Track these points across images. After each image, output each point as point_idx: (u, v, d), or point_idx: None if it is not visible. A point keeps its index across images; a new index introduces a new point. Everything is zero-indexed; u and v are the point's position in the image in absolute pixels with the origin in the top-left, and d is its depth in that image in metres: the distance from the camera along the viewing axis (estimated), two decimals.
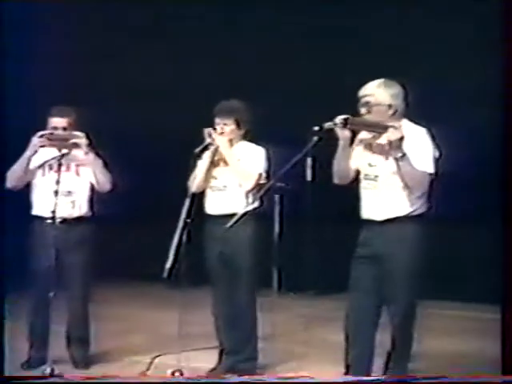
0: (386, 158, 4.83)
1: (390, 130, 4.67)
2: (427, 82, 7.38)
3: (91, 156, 5.62)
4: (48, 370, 5.16)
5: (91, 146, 5.65)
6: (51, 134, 5.57)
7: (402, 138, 4.68)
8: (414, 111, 5.06)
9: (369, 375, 5.01)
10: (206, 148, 5.42)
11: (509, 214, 5.25)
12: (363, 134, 4.93)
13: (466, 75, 7.51)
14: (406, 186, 4.80)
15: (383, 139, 4.78)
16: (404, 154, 4.71)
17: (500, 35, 4.30)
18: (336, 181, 5.00)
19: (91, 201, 5.74)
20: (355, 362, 5.02)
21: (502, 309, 4.16)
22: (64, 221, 5.46)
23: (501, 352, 4.13)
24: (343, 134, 4.77)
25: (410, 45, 7.75)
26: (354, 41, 8.07)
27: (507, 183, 5.22)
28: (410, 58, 7.69)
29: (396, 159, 4.71)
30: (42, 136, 5.54)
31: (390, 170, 4.82)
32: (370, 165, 4.90)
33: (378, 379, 4.51)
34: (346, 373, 5.02)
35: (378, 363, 4.94)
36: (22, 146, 5.66)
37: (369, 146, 4.92)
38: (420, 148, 4.75)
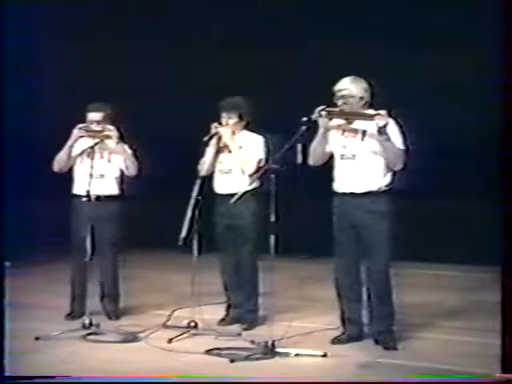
0: (362, 140, 5.19)
1: (378, 117, 5.01)
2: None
3: (121, 146, 6.10)
4: (87, 321, 5.62)
5: (121, 137, 6.10)
6: (87, 126, 6.06)
7: (386, 124, 5.02)
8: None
9: (361, 326, 5.37)
10: (211, 138, 5.81)
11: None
12: (335, 122, 5.24)
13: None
14: (388, 162, 5.14)
15: (357, 125, 5.19)
16: (389, 137, 5.04)
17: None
18: (311, 163, 5.28)
19: (120, 182, 6.22)
20: (349, 314, 5.36)
21: (502, 309, 4.05)
22: (97, 198, 5.92)
23: (501, 352, 4.03)
24: (324, 122, 5.16)
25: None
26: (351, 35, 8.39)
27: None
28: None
29: (381, 141, 5.06)
30: (80, 128, 6.04)
31: (366, 149, 5.18)
32: (344, 147, 5.25)
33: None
34: (343, 325, 5.39)
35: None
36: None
37: (341, 131, 5.27)
38: (391, 130, 5.11)
